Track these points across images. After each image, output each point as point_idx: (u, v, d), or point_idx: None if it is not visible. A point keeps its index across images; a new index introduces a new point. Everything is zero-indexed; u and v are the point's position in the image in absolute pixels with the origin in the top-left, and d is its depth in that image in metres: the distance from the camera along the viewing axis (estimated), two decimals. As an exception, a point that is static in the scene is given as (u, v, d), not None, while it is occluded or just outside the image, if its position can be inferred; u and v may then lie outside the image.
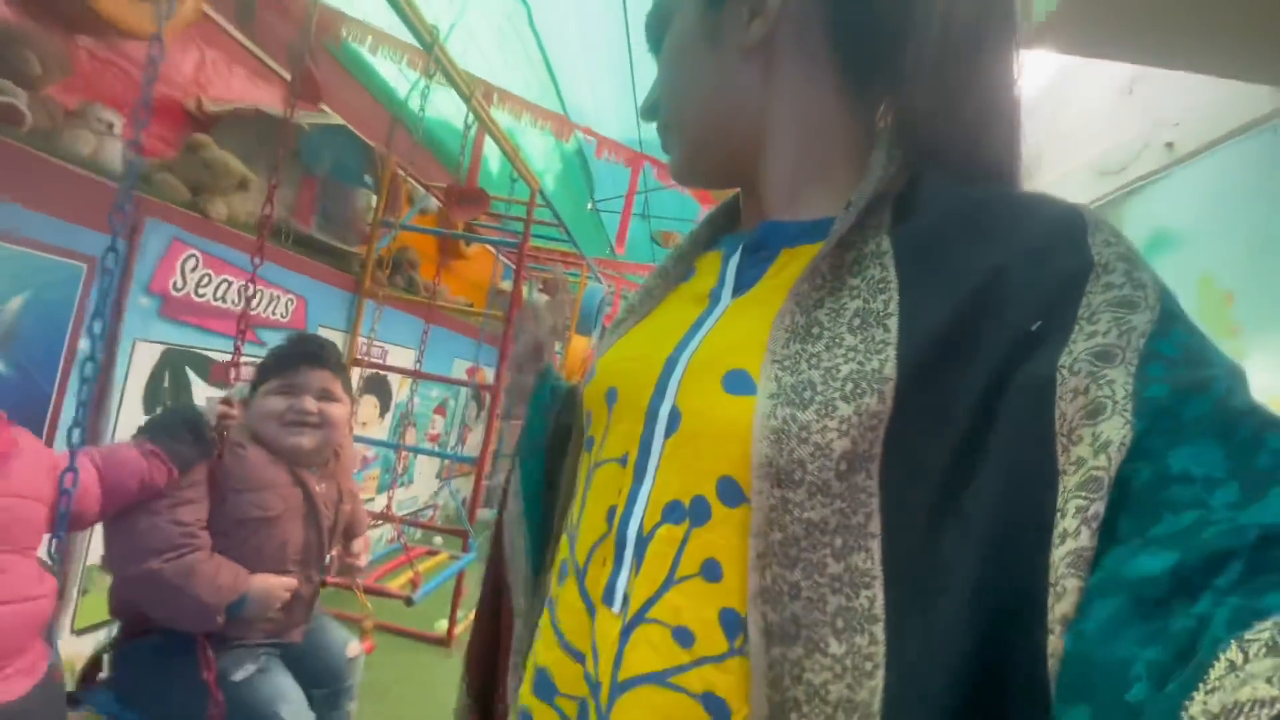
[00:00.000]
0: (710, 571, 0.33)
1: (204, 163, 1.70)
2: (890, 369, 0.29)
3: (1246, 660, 0.18)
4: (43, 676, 0.77)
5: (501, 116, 2.50)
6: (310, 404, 1.19)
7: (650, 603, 0.33)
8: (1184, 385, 0.24)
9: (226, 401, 1.12)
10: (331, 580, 1.44)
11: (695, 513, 0.33)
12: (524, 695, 0.39)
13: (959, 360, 0.28)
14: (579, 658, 0.36)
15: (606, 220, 5.46)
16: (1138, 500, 0.23)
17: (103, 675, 1.06)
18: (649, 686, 0.32)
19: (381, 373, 2.66)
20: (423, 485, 3.46)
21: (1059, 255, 0.29)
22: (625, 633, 0.34)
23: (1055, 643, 0.23)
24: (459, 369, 3.56)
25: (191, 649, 1.02)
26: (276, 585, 1.08)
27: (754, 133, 0.41)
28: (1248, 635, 0.18)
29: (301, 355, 1.23)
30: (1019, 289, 0.28)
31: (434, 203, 2.74)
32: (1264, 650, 0.18)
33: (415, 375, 2.24)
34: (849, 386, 0.30)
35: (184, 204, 1.67)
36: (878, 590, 0.28)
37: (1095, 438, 0.24)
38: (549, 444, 0.53)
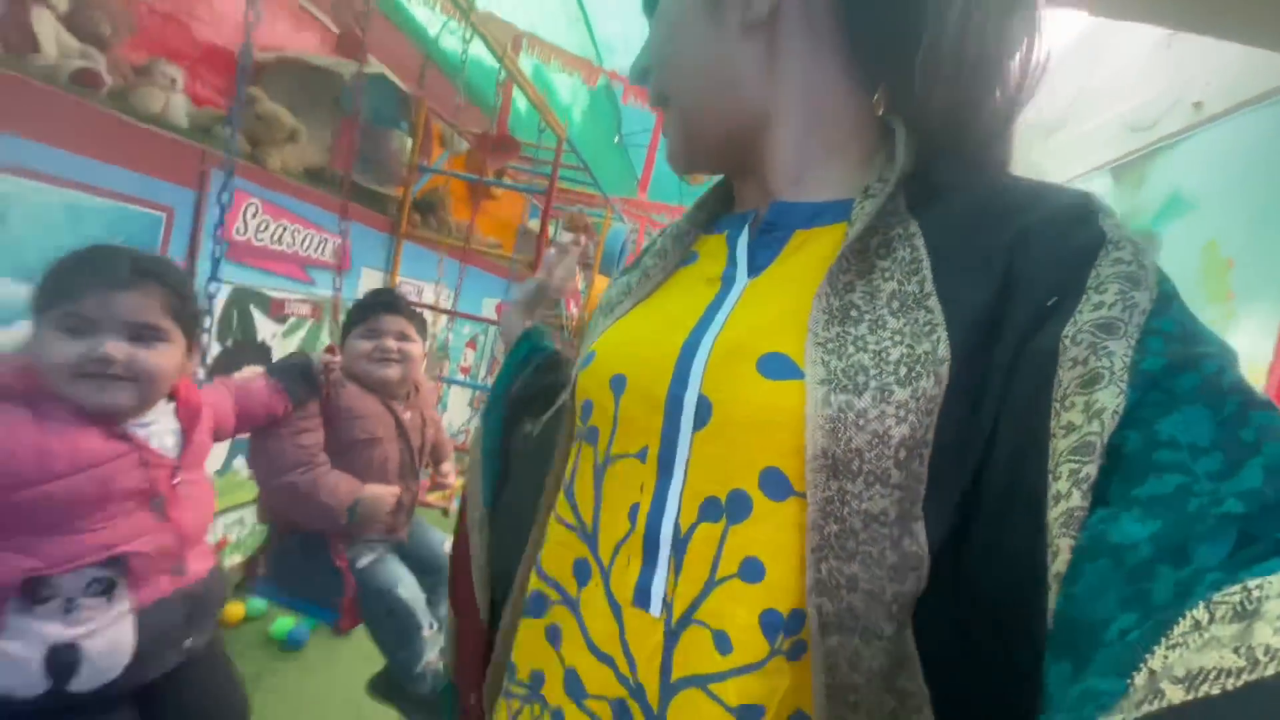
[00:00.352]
0: (750, 572, 0.31)
1: (257, 116, 1.83)
2: (944, 350, 0.29)
3: (1212, 621, 0.18)
4: (215, 557, 1.03)
5: (530, 58, 2.55)
6: (391, 343, 1.44)
7: (695, 604, 0.33)
8: (1179, 360, 0.25)
9: (330, 350, 1.37)
10: (422, 500, 1.73)
11: (733, 508, 0.32)
12: (556, 694, 0.38)
13: (993, 339, 0.29)
14: (607, 661, 0.35)
15: (633, 154, 5.44)
16: (1127, 464, 0.24)
17: (261, 571, 1.38)
18: (697, 690, 0.32)
19: (419, 310, 2.85)
20: (456, 413, 3.73)
21: (1074, 231, 0.30)
22: (671, 636, 0.33)
23: (1053, 599, 0.24)
24: (488, 307, 3.74)
25: (326, 545, 1.32)
26: (383, 493, 1.35)
27: (756, 112, 0.39)
28: (1216, 597, 0.19)
29: (381, 304, 1.48)
30: (1037, 264, 0.29)
31: (465, 143, 2.83)
32: (1230, 613, 0.18)
33: (450, 314, 2.42)
34: (903, 370, 0.29)
35: (244, 156, 1.82)
36: (923, 570, 0.28)
37: (1089, 405, 0.25)
38: (513, 403, 0.55)
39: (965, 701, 0.28)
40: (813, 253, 0.36)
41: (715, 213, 0.47)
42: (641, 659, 0.34)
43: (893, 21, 0.36)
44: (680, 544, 0.33)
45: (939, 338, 0.29)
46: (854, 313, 0.32)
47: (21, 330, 1.37)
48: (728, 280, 0.39)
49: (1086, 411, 0.25)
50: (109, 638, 0.82)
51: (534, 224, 3.89)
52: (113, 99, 1.51)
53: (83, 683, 0.80)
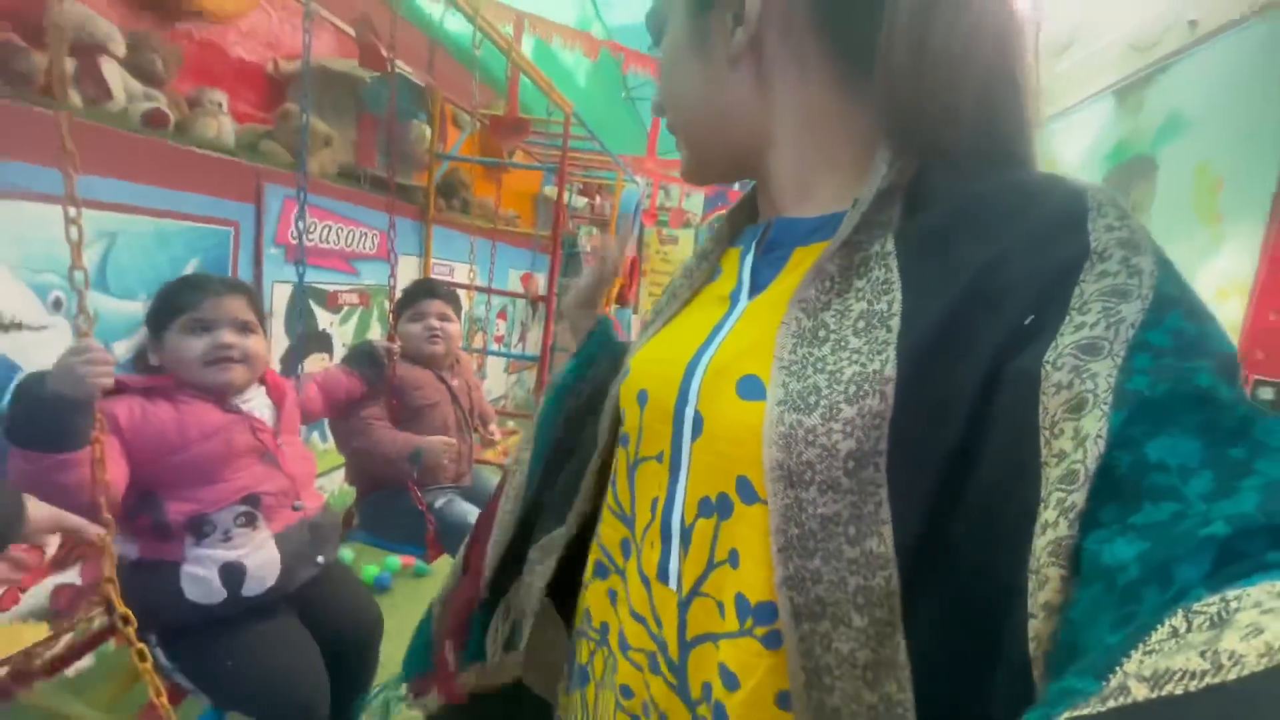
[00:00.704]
0: (734, 559, 0.36)
1: (296, 130, 2.02)
2: (890, 369, 0.30)
3: (1189, 629, 0.19)
4: (324, 497, 1.33)
5: (531, 37, 2.66)
6: (435, 323, 1.73)
7: (699, 581, 0.38)
8: (1168, 376, 0.24)
9: (390, 338, 1.66)
10: (477, 458, 2.03)
11: (721, 507, 0.36)
12: (615, 644, 0.44)
13: (957, 354, 0.29)
14: (640, 621, 0.42)
15: (641, 108, 5.48)
16: (1119, 489, 0.23)
17: (355, 523, 1.69)
18: (709, 644, 0.37)
19: (453, 290, 3.08)
20: (494, 379, 4.01)
21: (1057, 244, 0.29)
22: (683, 606, 0.38)
23: (1038, 627, 0.24)
24: (514, 277, 3.95)
25: (407, 494, 1.61)
26: (438, 441, 1.64)
27: (755, 134, 0.41)
28: (1196, 607, 0.19)
29: (424, 292, 1.77)
30: (1016, 281, 0.28)
31: (478, 123, 2.98)
32: (1206, 622, 0.18)
33: (482, 290, 2.64)
34: (852, 389, 0.30)
35: (288, 166, 2.02)
36: (892, 570, 0.29)
37: (1076, 431, 0.25)
38: (575, 399, 0.58)
39: (950, 714, 0.29)
40: (804, 273, 0.37)
41: (740, 225, 0.49)
42: (665, 621, 0.40)
43: (867, 26, 0.35)
44: (686, 534, 0.39)
45: (888, 357, 0.30)
46: (822, 333, 0.33)
47: (133, 341, 1.63)
48: (733, 300, 0.42)
49: (1075, 438, 0.25)
50: (260, 556, 1.13)
51: (550, 190, 4.04)
52: (178, 132, 1.72)
53: (250, 589, 1.10)
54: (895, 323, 0.31)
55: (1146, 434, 0.23)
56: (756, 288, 0.41)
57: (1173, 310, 0.26)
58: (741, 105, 0.40)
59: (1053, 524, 0.24)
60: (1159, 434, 0.23)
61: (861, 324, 0.32)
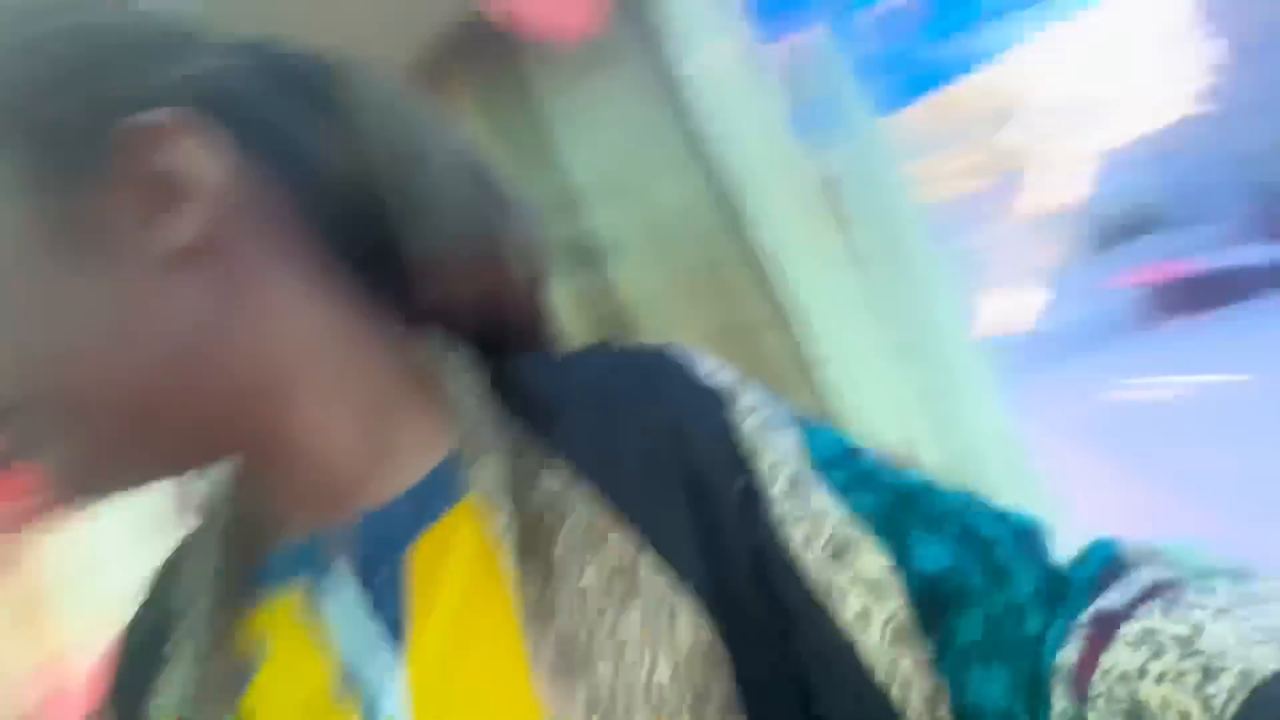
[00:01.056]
0: None
1: None
2: (705, 632, 0.24)
3: None
4: None
5: None
6: None
7: None
8: (869, 487, 0.25)
9: None
10: None
11: None
12: None
13: (724, 565, 0.25)
14: None
15: None
16: (925, 616, 0.23)
17: None
18: None
19: None
20: None
21: (698, 405, 0.28)
22: None
23: None
24: None
25: None
26: None
27: (245, 386, 0.26)
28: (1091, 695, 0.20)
29: None
30: (700, 457, 0.26)
31: None
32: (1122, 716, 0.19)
33: None
34: (672, 695, 0.23)
35: None
36: None
37: (865, 582, 0.24)
38: None
39: None
40: (459, 574, 0.26)
41: (247, 552, 0.29)
42: None
43: (369, 215, 0.28)
44: None
45: (684, 621, 0.24)
46: (580, 642, 0.23)
47: None
48: (356, 678, 0.25)
49: (869, 591, 0.24)
50: None
51: None
52: None
53: None
54: (647, 574, 0.24)
55: (904, 550, 0.24)
56: (391, 636, 0.25)
57: (802, 425, 0.28)
58: (195, 335, 0.25)
59: (918, 685, 0.23)
60: (912, 545, 0.24)
61: (615, 604, 0.24)
